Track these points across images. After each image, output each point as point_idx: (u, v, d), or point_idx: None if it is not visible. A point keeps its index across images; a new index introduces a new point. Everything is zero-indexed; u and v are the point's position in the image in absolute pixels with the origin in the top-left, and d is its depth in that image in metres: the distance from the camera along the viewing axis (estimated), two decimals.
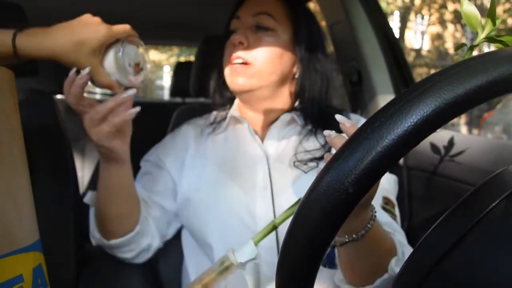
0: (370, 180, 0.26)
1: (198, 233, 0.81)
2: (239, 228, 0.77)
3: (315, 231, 0.27)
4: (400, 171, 1.15)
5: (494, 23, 0.41)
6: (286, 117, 0.84)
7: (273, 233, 0.60)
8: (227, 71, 0.83)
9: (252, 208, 0.78)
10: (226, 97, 0.91)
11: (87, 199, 0.79)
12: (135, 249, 0.80)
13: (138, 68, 0.65)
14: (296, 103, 0.86)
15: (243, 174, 0.82)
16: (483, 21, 0.43)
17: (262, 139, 0.86)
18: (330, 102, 0.88)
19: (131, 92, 0.64)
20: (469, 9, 0.41)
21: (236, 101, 0.90)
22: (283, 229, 0.35)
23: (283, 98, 0.85)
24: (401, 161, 1.15)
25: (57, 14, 1.75)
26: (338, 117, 0.52)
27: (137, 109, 0.65)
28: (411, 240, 0.74)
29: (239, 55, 0.80)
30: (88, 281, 0.97)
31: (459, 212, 0.30)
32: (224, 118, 0.90)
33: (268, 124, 0.86)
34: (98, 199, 0.75)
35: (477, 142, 0.96)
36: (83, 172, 1.88)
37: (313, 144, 0.82)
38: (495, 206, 0.28)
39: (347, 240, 0.55)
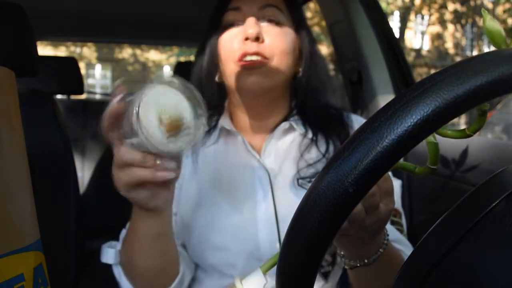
0: (370, 180, 0.26)
1: (197, 257, 0.75)
2: (241, 256, 0.72)
3: (315, 231, 0.27)
4: (400, 171, 1.15)
5: None
6: (285, 125, 0.77)
7: None
8: (233, 69, 0.72)
9: (253, 233, 0.72)
10: (215, 104, 0.80)
11: (109, 258, 0.65)
12: None
13: (176, 127, 0.48)
14: (294, 107, 0.81)
15: (242, 196, 0.74)
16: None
17: (259, 152, 0.77)
18: (329, 100, 0.84)
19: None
20: (492, 25, 0.37)
21: (226, 108, 0.81)
22: None
23: (284, 101, 0.80)
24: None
25: (57, 14, 1.76)
26: None
27: (173, 175, 0.52)
28: (411, 240, 0.74)
29: (255, 50, 0.70)
30: (88, 281, 0.97)
31: (459, 212, 0.30)
32: (214, 127, 0.79)
33: (264, 133, 0.79)
34: (131, 255, 0.63)
35: (477, 142, 0.96)
36: (83, 172, 1.88)
37: (314, 154, 0.76)
38: (495, 206, 0.28)
39: (358, 264, 0.54)
